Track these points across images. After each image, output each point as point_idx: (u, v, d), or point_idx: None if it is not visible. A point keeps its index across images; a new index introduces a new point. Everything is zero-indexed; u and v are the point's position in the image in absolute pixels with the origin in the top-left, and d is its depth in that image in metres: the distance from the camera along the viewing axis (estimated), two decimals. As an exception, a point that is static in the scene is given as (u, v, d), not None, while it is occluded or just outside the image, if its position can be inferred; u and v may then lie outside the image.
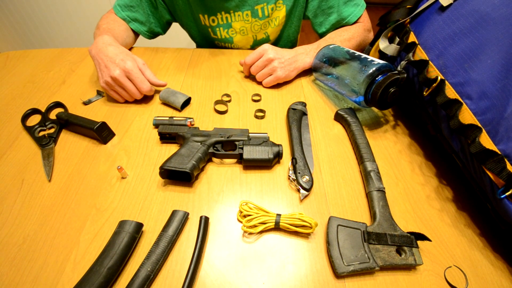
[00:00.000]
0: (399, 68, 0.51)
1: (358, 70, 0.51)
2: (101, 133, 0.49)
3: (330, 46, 0.60)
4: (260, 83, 0.63)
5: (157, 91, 0.60)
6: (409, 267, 0.36)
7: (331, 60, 0.58)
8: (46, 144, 0.48)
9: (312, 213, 0.42)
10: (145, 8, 0.70)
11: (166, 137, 0.50)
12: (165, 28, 0.78)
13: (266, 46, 0.61)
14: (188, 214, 0.40)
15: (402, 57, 0.52)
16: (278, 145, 0.47)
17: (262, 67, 0.61)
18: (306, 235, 0.39)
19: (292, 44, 0.82)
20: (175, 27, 0.84)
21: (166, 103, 0.58)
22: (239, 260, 0.37)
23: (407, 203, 0.43)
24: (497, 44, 0.38)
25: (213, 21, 0.71)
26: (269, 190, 0.44)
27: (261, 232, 0.39)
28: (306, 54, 0.64)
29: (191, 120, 0.51)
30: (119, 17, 0.69)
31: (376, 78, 0.48)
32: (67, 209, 0.41)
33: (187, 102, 0.57)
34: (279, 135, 0.52)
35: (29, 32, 1.55)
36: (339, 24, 0.71)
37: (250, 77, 0.65)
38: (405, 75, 0.48)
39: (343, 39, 0.66)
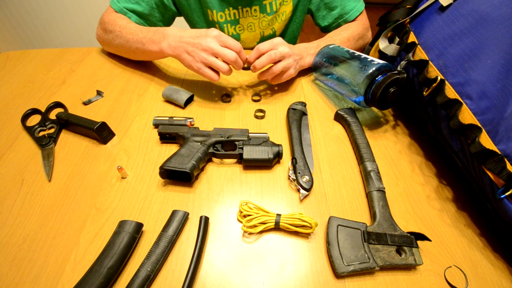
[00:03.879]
0: (399, 68, 0.51)
1: (358, 70, 0.51)
2: (101, 133, 0.49)
3: (330, 46, 0.60)
4: (258, 79, 0.59)
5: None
6: (409, 267, 0.36)
7: (331, 60, 0.58)
8: (46, 144, 0.48)
9: (312, 213, 0.42)
10: (150, 1, 0.67)
11: (166, 137, 0.50)
12: (168, 23, 0.75)
13: (279, 40, 0.56)
14: (188, 214, 0.40)
15: (402, 57, 0.52)
16: (278, 145, 0.47)
17: (274, 60, 0.54)
18: (306, 235, 0.39)
19: (295, 41, 0.82)
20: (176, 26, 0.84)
21: (169, 101, 0.58)
22: (239, 260, 0.37)
23: (407, 203, 0.43)
24: (497, 44, 0.38)
25: (221, 17, 0.71)
26: (269, 190, 0.44)
27: (261, 232, 0.39)
28: (307, 53, 0.63)
29: (191, 120, 0.51)
30: (120, 14, 0.64)
31: (376, 78, 0.48)
32: (67, 209, 0.41)
33: (190, 99, 0.57)
34: (279, 135, 0.52)
35: (29, 32, 1.55)
36: (342, 18, 0.71)
37: (250, 75, 0.65)
38: (405, 75, 0.48)
39: (342, 38, 0.66)
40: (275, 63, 0.55)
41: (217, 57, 0.52)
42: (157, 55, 0.59)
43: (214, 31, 0.52)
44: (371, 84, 0.49)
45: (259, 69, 0.55)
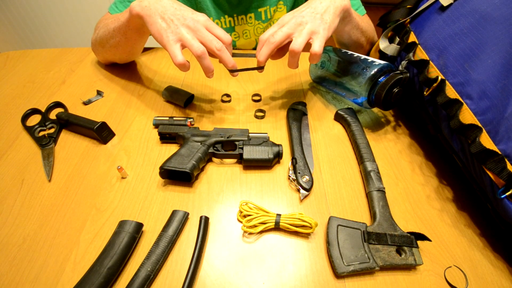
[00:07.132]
0: (400, 68, 0.51)
1: (359, 71, 0.51)
2: (101, 133, 0.49)
3: (327, 48, 0.59)
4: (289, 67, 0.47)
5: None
6: (409, 267, 0.36)
7: (330, 62, 0.57)
8: (46, 144, 0.48)
9: (312, 213, 0.42)
10: None
11: (166, 137, 0.50)
12: None
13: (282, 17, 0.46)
14: (188, 214, 0.40)
15: (403, 57, 0.52)
16: (278, 145, 0.47)
17: (279, 42, 0.44)
18: (306, 235, 0.39)
19: None
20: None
21: (169, 101, 0.58)
22: (239, 260, 0.37)
23: (407, 203, 0.43)
24: (497, 44, 0.38)
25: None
26: (269, 190, 0.44)
27: (261, 232, 0.39)
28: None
29: (191, 120, 0.51)
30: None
31: (379, 79, 0.48)
32: (67, 209, 0.41)
33: (190, 99, 0.57)
34: (279, 135, 0.52)
35: (29, 32, 1.55)
36: None
37: (250, 74, 0.65)
38: (408, 75, 0.48)
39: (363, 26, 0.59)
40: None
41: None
42: (128, 26, 0.49)
43: (203, 15, 0.44)
44: (374, 86, 0.49)
45: (263, 61, 0.45)
